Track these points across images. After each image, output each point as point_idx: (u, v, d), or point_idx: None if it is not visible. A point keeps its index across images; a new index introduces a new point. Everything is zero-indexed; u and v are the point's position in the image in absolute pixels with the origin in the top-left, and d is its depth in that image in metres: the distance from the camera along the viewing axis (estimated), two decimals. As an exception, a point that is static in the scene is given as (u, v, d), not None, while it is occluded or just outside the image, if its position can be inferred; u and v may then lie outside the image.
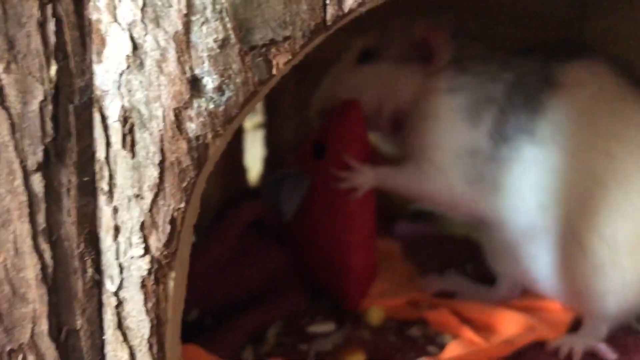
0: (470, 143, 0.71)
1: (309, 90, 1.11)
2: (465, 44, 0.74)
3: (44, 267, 0.41)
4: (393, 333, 0.77)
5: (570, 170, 0.72)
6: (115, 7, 0.38)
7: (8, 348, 0.42)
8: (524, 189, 0.72)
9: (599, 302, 0.74)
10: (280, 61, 0.38)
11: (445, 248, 0.99)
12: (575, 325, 0.78)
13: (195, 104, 0.39)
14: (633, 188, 0.71)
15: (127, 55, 0.39)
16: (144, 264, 0.41)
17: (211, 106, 0.39)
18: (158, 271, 0.41)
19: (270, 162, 1.11)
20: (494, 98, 0.70)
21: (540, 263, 0.78)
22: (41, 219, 0.41)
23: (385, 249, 0.97)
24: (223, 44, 0.38)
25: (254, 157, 1.12)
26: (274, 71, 0.38)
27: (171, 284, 0.41)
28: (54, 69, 0.40)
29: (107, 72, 0.39)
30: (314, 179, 0.76)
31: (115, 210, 0.41)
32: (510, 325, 0.77)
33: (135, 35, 0.38)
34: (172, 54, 0.38)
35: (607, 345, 0.73)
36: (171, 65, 0.38)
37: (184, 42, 0.38)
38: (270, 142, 1.11)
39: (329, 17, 0.38)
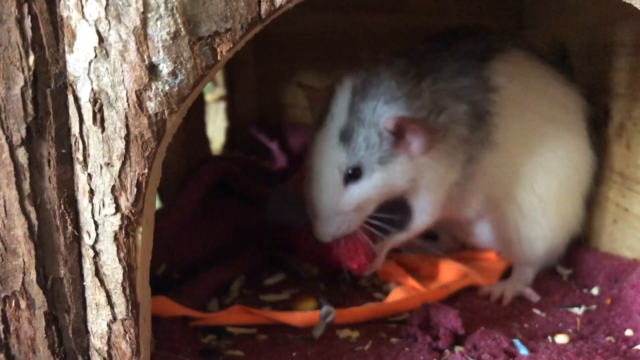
0: (450, 183, 0.76)
1: (268, 64, 1.17)
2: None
3: (30, 226, 0.48)
4: (345, 283, 0.86)
5: (515, 156, 0.80)
6: (82, 6, 0.45)
7: (3, 295, 0.49)
8: (480, 189, 0.79)
9: (529, 248, 0.84)
10: (224, 49, 0.46)
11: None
12: (508, 273, 0.88)
13: (153, 87, 0.46)
14: (563, 147, 0.81)
15: (95, 47, 0.45)
16: (116, 221, 0.48)
17: (167, 88, 0.46)
18: (128, 226, 0.48)
19: (232, 133, 1.17)
20: (462, 136, 0.75)
21: (479, 223, 0.87)
22: (26, 186, 0.48)
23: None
24: (175, 36, 0.45)
25: (217, 128, 1.19)
26: (219, 57, 0.46)
27: (139, 237, 0.49)
28: (31, 58, 0.46)
29: (78, 60, 0.46)
30: None
31: (90, 176, 0.48)
32: (448, 273, 0.86)
33: (100, 29, 0.45)
34: (132, 45, 0.45)
35: (533, 288, 0.83)
36: (132, 55, 0.45)
37: (142, 35, 0.45)
38: (232, 114, 1.18)
39: (263, 11, 0.45)
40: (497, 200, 0.81)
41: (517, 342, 0.65)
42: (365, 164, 0.72)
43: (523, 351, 0.64)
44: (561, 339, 0.67)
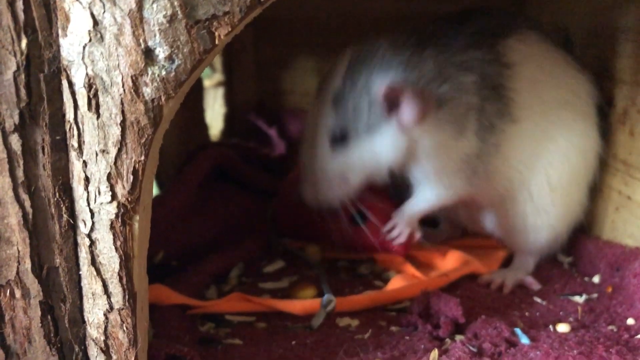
0: (463, 154, 0.74)
1: (267, 49, 1.16)
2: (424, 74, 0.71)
3: (24, 215, 0.47)
4: (344, 271, 0.86)
5: (534, 137, 0.78)
6: (76, -12, 0.44)
7: (-3, 284, 0.49)
8: (504, 166, 0.78)
9: (534, 236, 0.83)
10: (222, 33, 0.44)
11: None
12: (508, 261, 0.87)
13: (149, 72, 0.45)
14: (575, 134, 0.80)
15: (89, 30, 0.44)
16: (112, 209, 0.47)
17: (163, 73, 0.45)
18: (124, 215, 0.47)
19: (231, 119, 1.16)
20: (472, 104, 0.73)
21: (483, 210, 0.86)
22: (20, 173, 0.47)
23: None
24: (171, 19, 0.44)
25: (215, 114, 1.17)
26: (217, 41, 0.44)
27: (136, 225, 0.48)
28: (24, 42, 0.45)
29: (72, 44, 0.45)
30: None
31: (85, 163, 0.47)
32: (448, 260, 0.85)
33: (95, 12, 0.44)
34: (127, 29, 0.44)
35: (534, 277, 0.83)
36: (127, 39, 0.44)
37: (137, 18, 0.44)
38: (230, 100, 1.16)
39: (262, -6, 0.44)
40: (512, 185, 0.80)
41: (518, 331, 0.65)
42: (351, 129, 0.72)
43: (524, 340, 0.63)
44: (562, 327, 0.67)
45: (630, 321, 0.69)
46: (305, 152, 0.75)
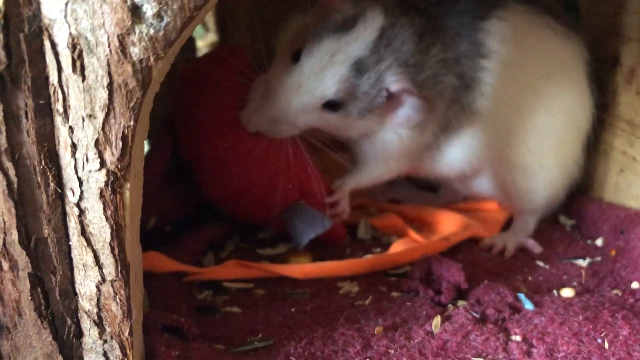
0: (417, 146, 0.76)
1: (262, 8, 1.12)
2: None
3: (9, 184, 0.45)
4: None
5: (506, 120, 0.78)
6: (55, -60, 0.40)
7: (-17, 256, 0.47)
8: (460, 154, 0.78)
9: (530, 198, 0.82)
10: (214, -12, 0.41)
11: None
12: (509, 224, 0.86)
13: (137, 30, 0.42)
14: (554, 105, 0.79)
15: (71, -14, 0.41)
16: (101, 177, 0.45)
17: (152, 31, 0.42)
18: (114, 182, 0.45)
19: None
20: (440, 111, 0.74)
21: (476, 177, 0.85)
22: (3, 140, 0.44)
23: (339, 162, 1.02)
24: (159, -28, 0.41)
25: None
26: (209, -3, 0.42)
27: (127, 193, 0.45)
28: (1, -1, 0.42)
29: (53, 1, 0.42)
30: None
31: (71, 129, 0.44)
32: (448, 224, 0.84)
33: (76, -34, 0.41)
34: (112, -16, 0.41)
35: (536, 240, 0.82)
36: (112, -6, 0.41)
37: (122, -28, 0.41)
38: (224, 61, 1.12)
39: (256, -55, 0.41)
40: (489, 159, 0.80)
41: (521, 296, 0.64)
42: (352, 98, 0.71)
43: (528, 306, 0.62)
44: (567, 292, 0.66)
45: (635, 285, 0.68)
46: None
